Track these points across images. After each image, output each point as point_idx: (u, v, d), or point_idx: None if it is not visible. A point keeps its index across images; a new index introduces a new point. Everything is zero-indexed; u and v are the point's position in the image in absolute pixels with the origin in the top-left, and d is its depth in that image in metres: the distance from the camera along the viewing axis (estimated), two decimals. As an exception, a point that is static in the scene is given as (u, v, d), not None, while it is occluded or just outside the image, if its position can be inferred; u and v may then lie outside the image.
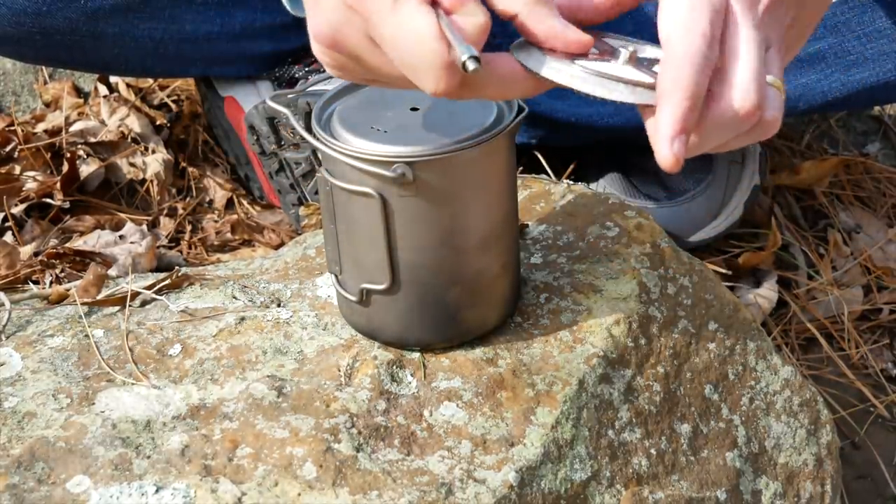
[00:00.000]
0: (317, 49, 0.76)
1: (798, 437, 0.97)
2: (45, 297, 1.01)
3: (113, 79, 1.56)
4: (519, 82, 0.74)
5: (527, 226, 1.01)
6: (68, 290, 1.01)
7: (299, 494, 0.80)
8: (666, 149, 0.71)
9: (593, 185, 1.35)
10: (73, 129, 1.46)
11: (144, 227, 1.32)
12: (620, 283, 0.95)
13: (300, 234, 1.18)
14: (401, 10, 0.69)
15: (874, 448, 1.23)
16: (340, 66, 0.76)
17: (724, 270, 1.31)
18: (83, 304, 0.97)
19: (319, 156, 0.86)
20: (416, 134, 0.82)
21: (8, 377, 0.88)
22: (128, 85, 1.56)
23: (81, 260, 1.22)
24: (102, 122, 1.49)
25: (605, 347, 0.91)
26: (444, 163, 0.81)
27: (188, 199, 1.42)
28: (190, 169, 1.45)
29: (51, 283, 1.17)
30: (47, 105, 1.55)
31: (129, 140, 1.46)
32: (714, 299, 0.98)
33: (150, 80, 1.55)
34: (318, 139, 0.84)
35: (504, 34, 0.76)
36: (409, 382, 0.88)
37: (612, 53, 0.75)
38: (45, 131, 1.46)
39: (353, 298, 0.88)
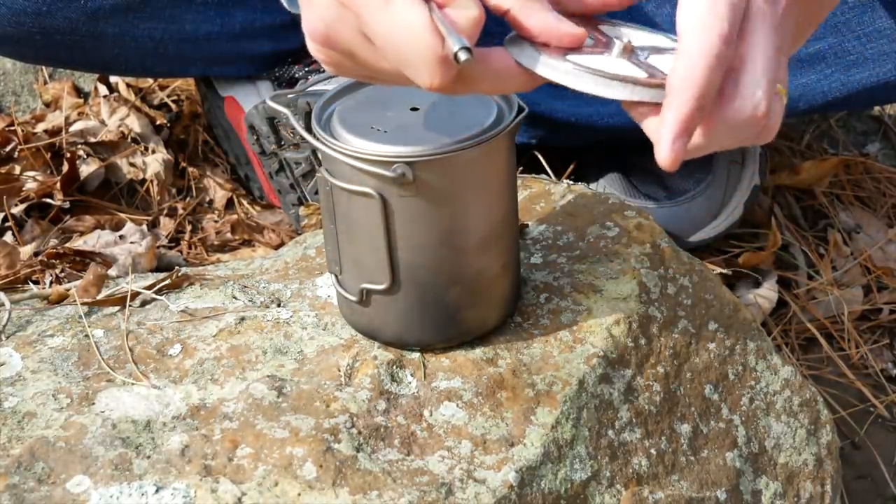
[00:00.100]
0: (311, 46, 0.76)
1: (798, 437, 0.97)
2: (45, 297, 1.01)
3: (113, 79, 1.56)
4: (514, 77, 0.73)
5: (527, 226, 1.01)
6: (68, 290, 1.01)
7: (299, 494, 0.80)
8: (667, 147, 0.70)
9: (593, 185, 1.35)
10: (73, 129, 1.46)
11: (144, 227, 1.32)
12: (620, 283, 0.95)
13: (300, 234, 1.18)
14: (393, 5, 0.69)
15: (874, 448, 1.23)
16: (335, 63, 0.76)
17: (724, 270, 1.31)
18: (83, 304, 0.97)
19: (319, 156, 0.86)
20: (416, 134, 0.82)
21: (8, 377, 0.88)
22: (128, 85, 1.56)
23: (81, 260, 1.22)
24: (102, 122, 1.49)
25: (605, 347, 0.91)
26: (444, 163, 0.81)
27: (188, 199, 1.42)
28: (190, 169, 1.45)
29: (51, 283, 1.17)
30: (47, 105, 1.55)
31: (129, 140, 1.46)
32: (714, 299, 0.98)
33: (150, 80, 1.55)
34: (318, 139, 0.84)
35: (504, 34, 0.76)
36: (409, 382, 0.88)
37: (606, 45, 0.74)
38: (45, 131, 1.46)
39: (353, 298, 0.88)
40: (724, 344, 0.97)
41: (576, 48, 0.73)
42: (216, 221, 1.39)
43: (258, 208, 1.40)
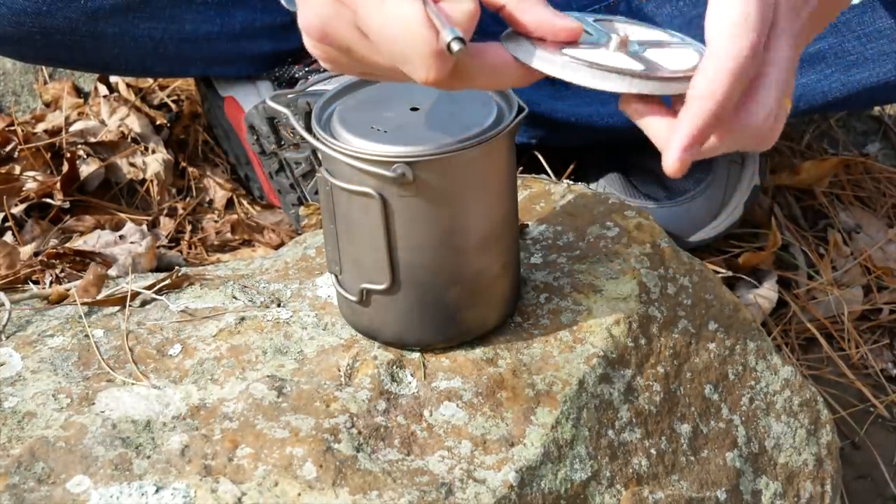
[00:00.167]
0: (308, 42, 0.76)
1: (798, 437, 0.97)
2: (45, 297, 1.01)
3: (113, 79, 1.56)
4: (510, 72, 0.73)
5: (527, 226, 1.01)
6: (68, 290, 1.01)
7: (299, 494, 0.80)
8: (676, 155, 0.69)
9: (593, 185, 1.35)
10: (73, 129, 1.46)
11: (144, 227, 1.32)
12: (620, 283, 0.95)
13: (300, 234, 1.18)
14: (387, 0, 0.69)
15: (874, 448, 1.23)
16: (332, 59, 0.76)
17: (724, 270, 1.31)
18: (83, 304, 0.97)
19: (319, 156, 0.86)
20: (416, 134, 0.82)
21: (8, 377, 0.88)
22: (128, 85, 1.56)
23: (81, 260, 1.22)
24: (102, 122, 1.49)
25: (605, 347, 0.91)
26: (445, 163, 0.81)
27: (188, 199, 1.42)
28: (190, 169, 1.45)
29: (51, 283, 1.17)
30: (47, 105, 1.55)
31: (129, 140, 1.46)
32: (714, 299, 0.98)
33: (150, 80, 1.55)
34: (318, 139, 0.84)
35: (501, 33, 0.76)
36: (409, 382, 0.88)
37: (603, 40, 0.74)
38: (45, 131, 1.46)
39: (353, 298, 0.88)
40: (724, 344, 0.97)
41: (572, 42, 0.73)
42: (216, 221, 1.39)
43: (258, 208, 1.40)
